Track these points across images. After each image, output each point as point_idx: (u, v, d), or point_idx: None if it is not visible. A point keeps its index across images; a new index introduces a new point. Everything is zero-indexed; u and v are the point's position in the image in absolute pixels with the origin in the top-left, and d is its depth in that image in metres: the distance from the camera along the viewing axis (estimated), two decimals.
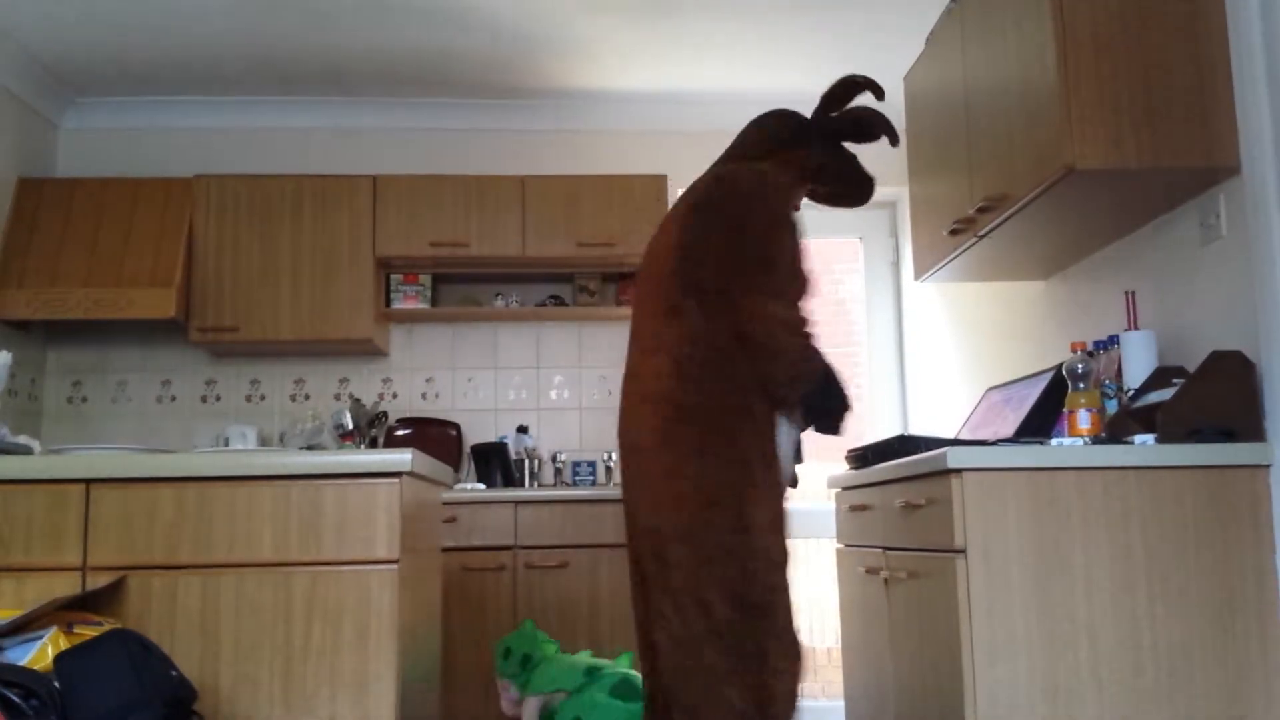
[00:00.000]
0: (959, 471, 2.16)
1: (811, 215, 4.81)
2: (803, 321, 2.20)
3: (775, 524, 2.19)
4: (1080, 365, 2.41)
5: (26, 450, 2.21)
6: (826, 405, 2.29)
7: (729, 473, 2.15)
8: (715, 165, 2.46)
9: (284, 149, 4.58)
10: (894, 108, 4.60)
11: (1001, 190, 2.64)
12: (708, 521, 2.13)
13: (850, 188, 2.51)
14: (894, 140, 2.44)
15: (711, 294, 2.19)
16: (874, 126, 2.46)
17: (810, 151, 2.45)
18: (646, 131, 4.66)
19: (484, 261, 4.30)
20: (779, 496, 2.23)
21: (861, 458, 2.90)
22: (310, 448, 3.94)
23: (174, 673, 1.79)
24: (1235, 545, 2.15)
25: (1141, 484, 2.16)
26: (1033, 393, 2.87)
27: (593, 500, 3.83)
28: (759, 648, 2.11)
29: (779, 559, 2.18)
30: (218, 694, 1.94)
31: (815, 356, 2.22)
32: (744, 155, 2.45)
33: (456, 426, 4.42)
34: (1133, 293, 2.62)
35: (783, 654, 2.13)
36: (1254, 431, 2.23)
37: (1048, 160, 2.38)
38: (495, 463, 4.20)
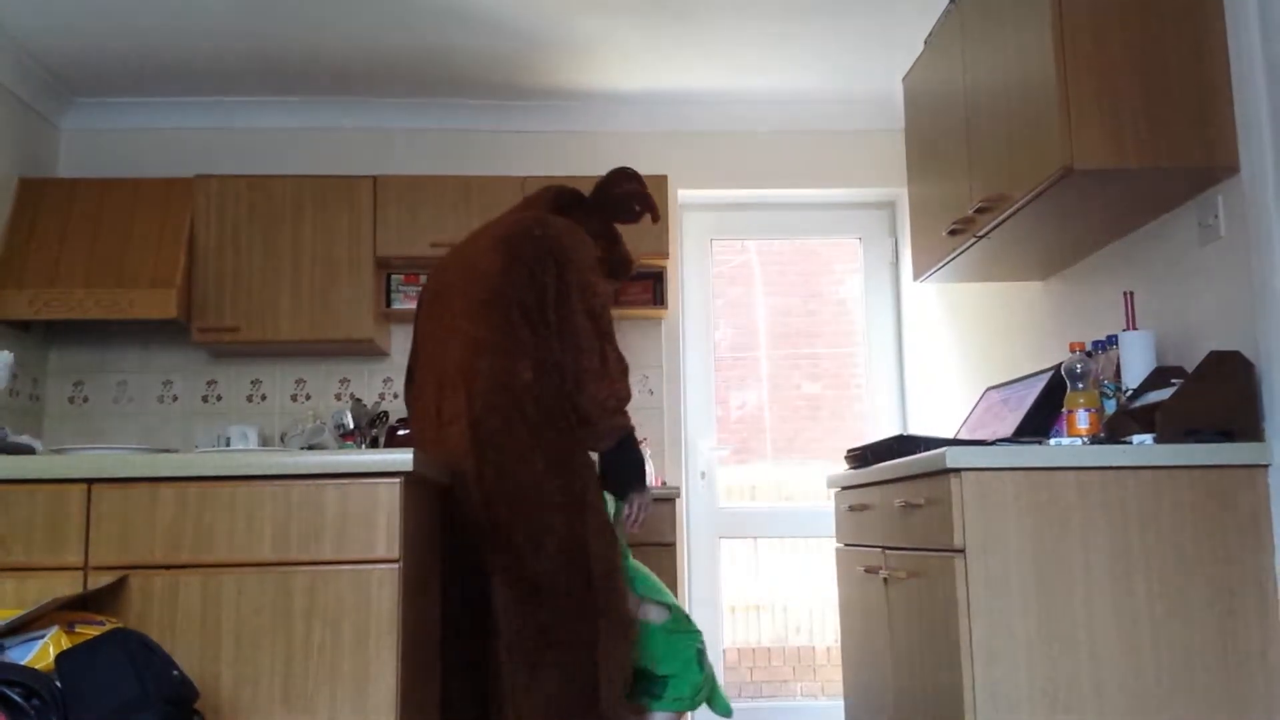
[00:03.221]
0: (958, 471, 2.16)
1: (811, 215, 4.81)
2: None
3: None
4: (1079, 365, 2.41)
5: (28, 450, 2.21)
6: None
7: None
8: (511, 214, 2.69)
9: (284, 149, 4.58)
10: (894, 108, 4.61)
11: (1000, 190, 2.64)
12: None
13: (614, 261, 2.80)
14: (655, 217, 2.78)
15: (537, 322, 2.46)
16: (637, 203, 2.78)
17: (588, 221, 2.74)
18: (647, 132, 4.66)
19: None
20: None
21: (861, 457, 2.90)
22: (311, 448, 3.94)
23: (175, 672, 1.79)
24: (1234, 545, 2.16)
25: (1140, 484, 2.16)
26: (1031, 393, 2.88)
27: None
28: None
29: None
30: (218, 693, 1.94)
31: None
32: (538, 207, 2.71)
33: None
34: (1131, 293, 2.62)
35: None
36: (1252, 431, 2.24)
37: (1047, 160, 2.39)
38: None
